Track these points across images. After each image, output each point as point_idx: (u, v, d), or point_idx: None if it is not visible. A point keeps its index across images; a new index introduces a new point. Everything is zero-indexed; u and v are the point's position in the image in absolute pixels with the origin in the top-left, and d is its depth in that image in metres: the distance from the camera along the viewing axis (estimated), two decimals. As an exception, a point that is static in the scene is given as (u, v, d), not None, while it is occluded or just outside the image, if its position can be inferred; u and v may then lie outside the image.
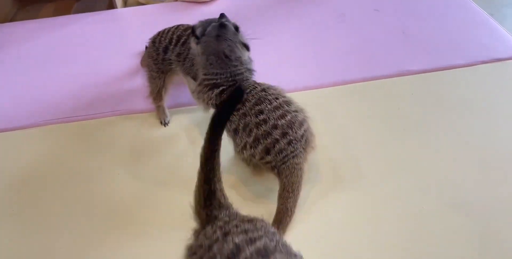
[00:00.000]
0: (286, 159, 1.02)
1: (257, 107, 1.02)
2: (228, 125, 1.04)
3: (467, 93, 1.35)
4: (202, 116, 1.32)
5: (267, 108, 1.02)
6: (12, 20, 1.99)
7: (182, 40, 1.21)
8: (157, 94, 1.29)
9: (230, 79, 1.08)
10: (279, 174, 1.03)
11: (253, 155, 1.04)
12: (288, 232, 0.99)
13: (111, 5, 1.98)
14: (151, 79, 1.29)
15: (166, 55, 1.23)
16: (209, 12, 1.87)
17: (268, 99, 1.04)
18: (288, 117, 1.02)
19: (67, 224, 1.06)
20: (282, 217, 0.99)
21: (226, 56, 1.07)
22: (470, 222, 0.99)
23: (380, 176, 1.11)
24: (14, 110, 1.41)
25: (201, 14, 1.90)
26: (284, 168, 1.02)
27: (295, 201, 1.01)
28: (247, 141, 1.03)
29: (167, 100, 1.32)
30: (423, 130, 1.23)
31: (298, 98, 1.33)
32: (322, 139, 1.20)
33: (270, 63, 1.53)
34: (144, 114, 1.35)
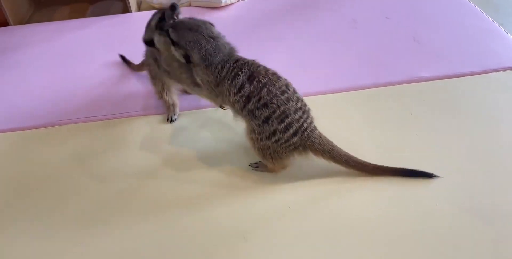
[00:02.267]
0: (309, 135, 1.06)
1: (285, 95, 1.05)
2: (257, 114, 1.03)
3: (478, 101, 1.36)
4: (214, 118, 1.35)
5: (289, 92, 1.06)
6: (28, 22, 2.03)
7: None
8: (161, 94, 1.31)
9: (235, 60, 1.07)
10: (305, 151, 1.07)
11: (277, 140, 1.04)
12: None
13: (126, 9, 2.01)
14: (152, 80, 1.32)
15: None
16: (222, 17, 1.90)
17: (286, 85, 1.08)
18: (301, 98, 1.08)
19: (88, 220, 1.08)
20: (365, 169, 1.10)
21: (213, 38, 1.06)
22: (482, 227, 1.00)
23: (393, 180, 1.12)
24: (29, 109, 1.44)
25: (214, 19, 1.92)
26: (312, 141, 1.06)
27: (350, 156, 1.08)
28: (277, 128, 1.03)
29: (176, 98, 1.33)
30: (436, 136, 1.24)
31: (310, 103, 1.35)
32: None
33: (281, 67, 1.53)
34: (158, 115, 1.38)
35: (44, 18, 2.05)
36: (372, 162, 1.10)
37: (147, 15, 2.01)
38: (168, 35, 1.07)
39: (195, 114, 1.38)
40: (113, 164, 1.22)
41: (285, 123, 1.03)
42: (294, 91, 1.07)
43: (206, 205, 1.08)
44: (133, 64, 1.56)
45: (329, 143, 1.08)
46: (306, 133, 1.05)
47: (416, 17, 1.79)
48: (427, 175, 1.10)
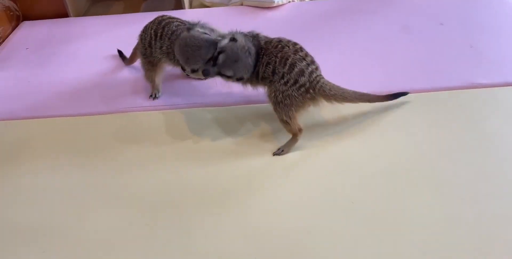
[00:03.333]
0: (318, 78, 1.17)
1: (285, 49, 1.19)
2: (262, 71, 1.18)
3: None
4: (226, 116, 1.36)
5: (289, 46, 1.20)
6: (85, 14, 2.12)
7: (159, 34, 1.34)
8: (151, 80, 1.45)
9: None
10: (316, 97, 1.18)
11: (286, 82, 1.15)
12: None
13: (178, 6, 2.07)
14: (145, 70, 1.44)
15: (152, 49, 1.36)
16: (273, 17, 1.92)
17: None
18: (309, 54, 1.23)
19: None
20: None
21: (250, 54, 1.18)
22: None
23: (450, 185, 1.10)
24: (86, 96, 1.50)
25: (265, 19, 1.97)
26: (321, 86, 1.17)
27: (357, 92, 1.23)
28: (284, 72, 1.16)
29: (162, 80, 1.47)
30: (497, 143, 1.21)
31: (362, 105, 1.35)
32: (389, 146, 1.22)
33: (333, 70, 1.53)
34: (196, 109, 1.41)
35: (100, 12, 2.13)
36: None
37: (199, 13, 2.09)
38: (220, 74, 1.19)
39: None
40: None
41: (288, 65, 1.16)
42: (306, 53, 1.21)
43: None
44: (127, 59, 1.63)
45: (338, 87, 1.21)
46: (315, 78, 1.17)
47: (471, 23, 1.75)
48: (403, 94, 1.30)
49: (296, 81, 1.15)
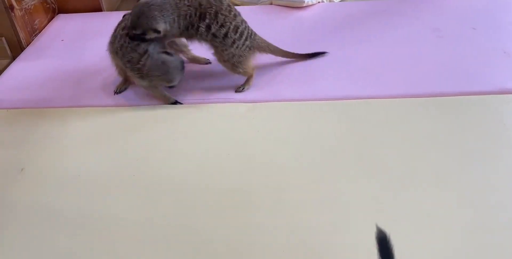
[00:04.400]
0: (254, 37, 1.44)
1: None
2: (218, 34, 1.36)
3: None
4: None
5: (234, 11, 1.41)
6: (117, 9, 2.17)
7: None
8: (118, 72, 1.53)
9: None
10: (256, 51, 1.46)
11: (237, 47, 1.39)
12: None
13: (208, 3, 2.10)
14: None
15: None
16: (303, 17, 1.93)
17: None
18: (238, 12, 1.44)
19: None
20: None
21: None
22: None
23: (477, 190, 1.09)
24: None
25: (295, 19, 1.98)
26: (257, 43, 1.45)
27: (279, 48, 1.55)
28: (235, 38, 1.37)
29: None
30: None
31: (390, 106, 1.35)
32: (419, 147, 1.21)
33: (361, 69, 1.56)
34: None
35: (131, 7, 2.16)
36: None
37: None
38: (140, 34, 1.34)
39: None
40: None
41: (239, 33, 1.37)
42: (235, 9, 1.40)
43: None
44: None
45: (266, 41, 1.48)
46: (252, 36, 1.43)
47: (505, 29, 1.72)
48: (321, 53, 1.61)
49: (243, 44, 1.40)
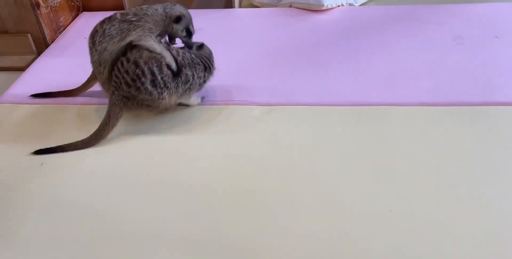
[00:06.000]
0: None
1: None
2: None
3: None
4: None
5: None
6: (139, 8, 2.21)
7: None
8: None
9: None
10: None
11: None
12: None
13: (228, 4, 2.12)
14: None
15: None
16: (322, 20, 1.93)
17: None
18: None
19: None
20: None
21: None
22: None
23: (497, 203, 1.08)
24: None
25: (314, 21, 1.98)
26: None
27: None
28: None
29: None
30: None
31: (411, 113, 1.33)
32: (437, 156, 1.20)
33: (379, 75, 1.55)
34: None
35: (153, 6, 2.22)
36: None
37: (248, 12, 2.13)
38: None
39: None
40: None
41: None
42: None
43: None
44: None
45: None
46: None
47: (529, 39, 1.70)
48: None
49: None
